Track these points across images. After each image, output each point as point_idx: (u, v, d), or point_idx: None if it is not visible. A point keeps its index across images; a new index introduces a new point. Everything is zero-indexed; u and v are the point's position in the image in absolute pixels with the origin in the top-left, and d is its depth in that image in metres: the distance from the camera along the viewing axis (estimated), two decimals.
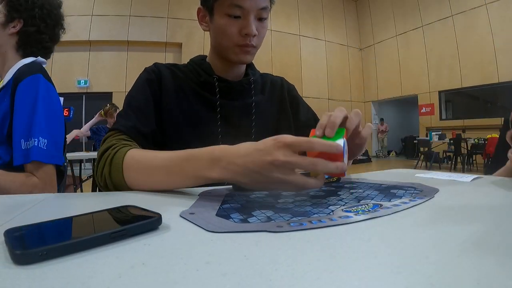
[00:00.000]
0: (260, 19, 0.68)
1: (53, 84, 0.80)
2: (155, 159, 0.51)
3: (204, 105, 0.72)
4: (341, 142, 0.42)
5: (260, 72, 0.86)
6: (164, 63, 0.76)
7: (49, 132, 0.73)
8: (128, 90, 0.72)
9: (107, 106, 3.41)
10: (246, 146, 0.43)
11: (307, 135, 0.49)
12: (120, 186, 0.54)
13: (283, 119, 0.83)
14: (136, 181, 0.52)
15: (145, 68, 0.74)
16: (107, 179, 0.54)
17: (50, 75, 0.83)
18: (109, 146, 0.58)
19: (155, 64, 0.74)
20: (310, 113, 0.88)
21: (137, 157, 0.53)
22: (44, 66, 0.85)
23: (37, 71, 0.76)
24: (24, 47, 0.84)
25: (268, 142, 0.41)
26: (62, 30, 0.94)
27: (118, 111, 3.59)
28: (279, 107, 0.83)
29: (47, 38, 0.87)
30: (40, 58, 0.85)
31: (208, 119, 0.71)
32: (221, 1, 0.65)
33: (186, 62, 0.79)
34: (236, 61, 0.71)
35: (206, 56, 0.79)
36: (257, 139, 0.75)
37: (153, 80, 0.70)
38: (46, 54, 0.90)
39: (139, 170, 0.52)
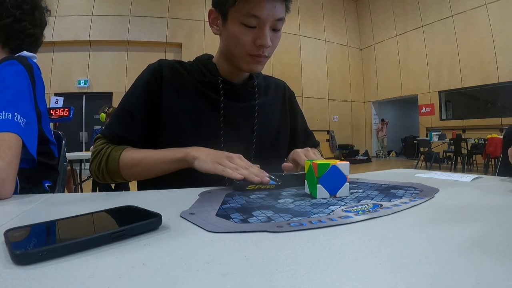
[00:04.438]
0: (275, 29, 0.66)
1: (29, 70, 0.75)
2: (146, 152, 0.65)
3: (207, 104, 0.71)
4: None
5: (263, 74, 0.85)
6: (169, 59, 0.74)
7: (12, 108, 0.65)
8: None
9: (106, 109, 3.37)
10: None
11: (298, 146, 0.73)
12: (115, 176, 0.66)
13: (283, 123, 0.83)
14: (129, 171, 0.64)
15: (148, 66, 0.73)
16: (105, 172, 0.65)
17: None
18: (101, 148, 0.67)
19: (159, 62, 0.73)
20: (303, 125, 0.90)
21: (130, 153, 0.65)
22: (34, 60, 0.81)
23: (13, 58, 0.73)
24: (8, 41, 0.79)
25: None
26: (46, 12, 0.86)
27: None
28: (281, 111, 0.84)
29: (27, 24, 0.80)
30: (25, 52, 0.80)
31: (211, 119, 0.71)
32: (237, 8, 0.62)
33: (191, 60, 0.77)
34: (246, 70, 0.70)
35: (212, 56, 0.77)
36: (258, 141, 0.77)
37: (152, 84, 0.69)
38: (34, 43, 0.84)
39: (131, 162, 0.64)
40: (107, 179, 0.66)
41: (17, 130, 0.59)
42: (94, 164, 0.67)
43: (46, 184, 0.84)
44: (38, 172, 0.78)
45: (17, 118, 0.61)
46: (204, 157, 0.57)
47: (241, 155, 0.59)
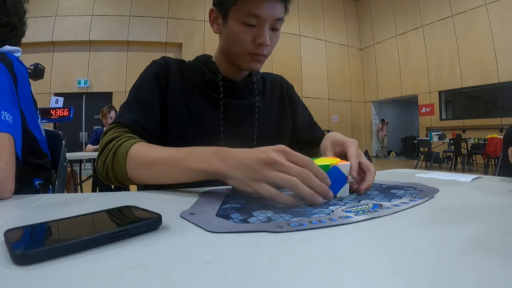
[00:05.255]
0: (274, 29, 0.67)
1: (8, 66, 0.71)
2: (160, 152, 0.53)
3: (208, 102, 0.72)
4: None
5: (260, 72, 0.86)
6: (172, 58, 0.75)
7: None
8: (129, 90, 0.71)
9: (105, 108, 3.43)
10: (249, 148, 0.45)
11: (302, 137, 0.67)
12: (121, 178, 0.56)
13: (283, 120, 0.83)
14: (138, 173, 0.54)
15: (153, 61, 0.73)
16: (109, 170, 0.57)
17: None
18: (112, 138, 0.59)
19: (164, 58, 0.74)
20: (306, 114, 0.89)
21: (141, 150, 0.55)
22: (17, 54, 0.78)
23: None
24: None
25: (268, 146, 0.43)
26: (23, 0, 0.84)
27: (112, 112, 3.59)
28: (280, 108, 0.84)
29: None
30: (6, 47, 0.78)
31: (211, 117, 0.72)
32: (238, 7, 0.63)
33: (191, 60, 0.78)
34: (246, 68, 0.71)
35: (211, 56, 0.78)
36: (258, 139, 0.76)
37: (161, 75, 0.70)
38: (13, 33, 0.81)
39: (142, 162, 0.54)
40: (112, 178, 0.57)
41: (7, 129, 0.58)
42: (100, 161, 0.59)
43: (36, 182, 0.83)
44: (26, 171, 0.76)
45: (4, 117, 0.60)
46: (239, 177, 0.43)
47: (283, 147, 0.42)
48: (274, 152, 0.41)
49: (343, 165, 0.46)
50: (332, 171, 0.45)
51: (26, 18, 0.86)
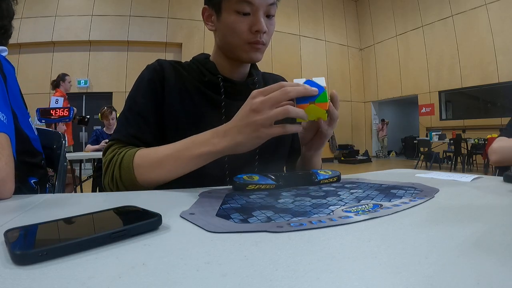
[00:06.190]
0: (268, 16, 0.67)
1: None
2: (164, 150, 0.57)
3: (208, 104, 0.70)
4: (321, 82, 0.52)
5: (261, 71, 0.85)
6: (167, 59, 0.73)
7: None
8: (129, 90, 0.70)
9: (104, 108, 3.43)
10: (235, 116, 0.52)
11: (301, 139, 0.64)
12: (131, 187, 0.57)
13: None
14: (148, 175, 0.56)
15: (147, 66, 0.71)
16: (119, 182, 0.58)
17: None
18: (114, 155, 0.61)
19: (158, 61, 0.72)
20: None
21: (145, 154, 0.58)
22: (4, 54, 0.78)
23: None
24: None
25: (246, 102, 0.51)
26: (13, 1, 0.83)
27: (114, 113, 3.58)
28: None
29: None
30: None
31: (212, 119, 0.69)
32: None
33: (188, 60, 0.77)
34: (246, 59, 0.69)
35: (209, 55, 0.77)
36: None
37: (155, 80, 0.68)
38: (4, 35, 0.82)
39: (149, 164, 0.56)
40: (122, 190, 0.59)
41: (3, 128, 0.58)
42: (107, 177, 0.60)
43: (32, 181, 0.82)
44: (21, 170, 0.76)
45: None
46: (245, 140, 0.51)
47: (254, 93, 0.52)
48: (252, 100, 0.50)
49: (316, 79, 0.52)
50: (307, 82, 0.51)
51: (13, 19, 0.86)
